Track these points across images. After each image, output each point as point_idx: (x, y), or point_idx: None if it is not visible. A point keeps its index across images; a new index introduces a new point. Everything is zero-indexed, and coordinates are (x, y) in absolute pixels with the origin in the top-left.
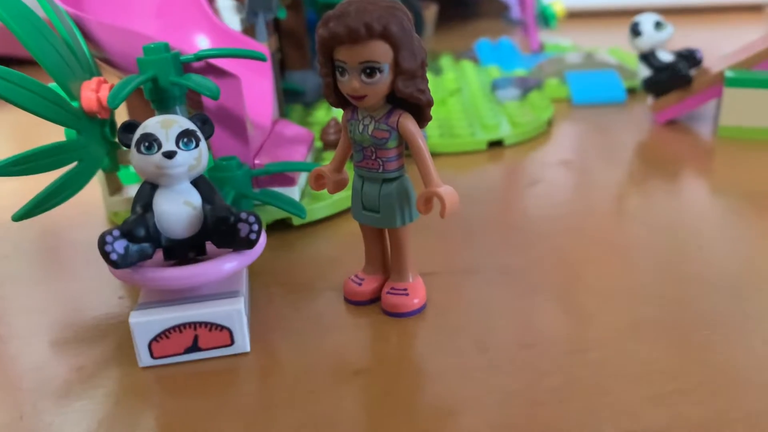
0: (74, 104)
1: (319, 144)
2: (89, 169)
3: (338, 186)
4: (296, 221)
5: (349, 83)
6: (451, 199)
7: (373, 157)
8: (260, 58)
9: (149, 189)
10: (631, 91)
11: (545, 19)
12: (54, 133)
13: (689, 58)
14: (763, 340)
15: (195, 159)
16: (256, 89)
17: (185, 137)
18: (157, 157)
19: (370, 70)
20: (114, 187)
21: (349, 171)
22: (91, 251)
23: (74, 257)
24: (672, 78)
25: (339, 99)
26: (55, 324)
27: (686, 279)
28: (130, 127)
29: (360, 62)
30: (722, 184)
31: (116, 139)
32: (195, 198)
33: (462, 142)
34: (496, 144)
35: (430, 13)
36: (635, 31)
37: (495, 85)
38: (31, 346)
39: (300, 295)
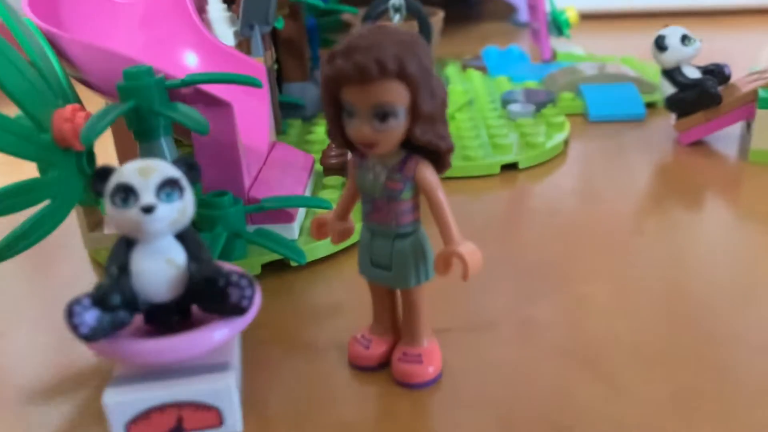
0: (45, 136)
1: (319, 167)
2: (65, 205)
3: (343, 236)
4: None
5: (359, 129)
6: (474, 260)
7: (385, 210)
8: (255, 84)
9: (125, 245)
10: (650, 106)
11: (558, 26)
12: (25, 165)
13: (717, 74)
14: None
15: (178, 212)
16: (250, 112)
17: (167, 187)
18: (134, 211)
19: (383, 114)
20: (93, 221)
21: (355, 217)
22: (64, 289)
23: (54, 301)
24: (700, 96)
25: (346, 142)
26: (22, 383)
27: (726, 339)
28: (103, 173)
29: (371, 105)
30: (757, 212)
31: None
32: (178, 255)
33: (474, 166)
34: (509, 166)
35: (437, 19)
36: (660, 46)
37: (506, 100)
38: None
39: (300, 354)
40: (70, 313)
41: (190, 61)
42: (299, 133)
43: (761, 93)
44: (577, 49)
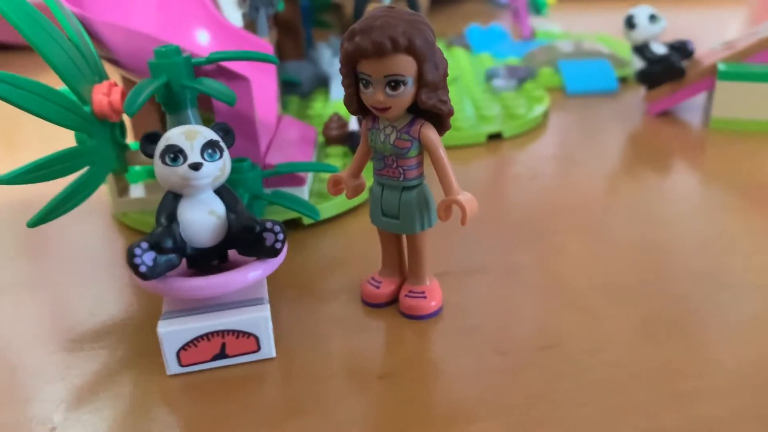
0: (86, 108)
1: (321, 139)
2: (101, 172)
3: (356, 191)
4: (307, 221)
5: (374, 95)
6: (472, 207)
7: (394, 166)
8: (273, 61)
9: (172, 199)
10: (623, 80)
11: (536, 7)
12: (41, 125)
13: (682, 49)
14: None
15: (219, 170)
16: (261, 88)
17: (209, 148)
18: (183, 168)
19: (395, 82)
20: (121, 188)
21: (366, 175)
22: (100, 253)
23: (84, 260)
24: (666, 70)
25: (360, 108)
26: (70, 330)
27: (688, 275)
28: (153, 137)
29: (385, 75)
30: (719, 174)
31: (126, 142)
32: (219, 207)
33: (463, 135)
34: (494, 136)
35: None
36: (630, 24)
37: (490, 75)
38: (49, 355)
39: (317, 297)
40: (132, 254)
41: (203, 40)
42: (298, 109)
43: (720, 66)
44: (554, 27)
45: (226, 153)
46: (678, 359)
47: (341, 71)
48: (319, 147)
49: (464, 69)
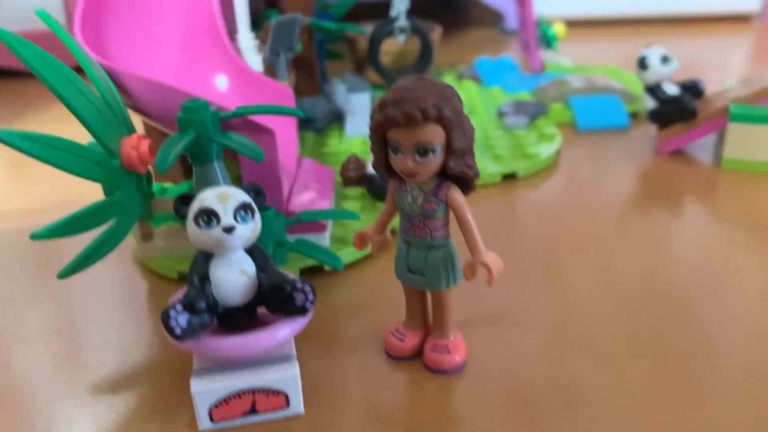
0: (115, 161)
1: (339, 178)
2: (128, 221)
3: (382, 247)
4: (328, 267)
5: (403, 162)
6: (497, 267)
7: (422, 226)
8: (298, 115)
9: (204, 259)
10: (633, 116)
11: (547, 40)
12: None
13: (693, 89)
14: None
15: (251, 231)
16: (282, 133)
17: (242, 210)
18: (217, 231)
19: (424, 150)
20: (146, 233)
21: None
22: (126, 297)
23: (111, 305)
24: (678, 111)
25: (388, 170)
26: (100, 378)
27: (707, 326)
28: (186, 199)
29: (414, 143)
30: (731, 214)
31: (152, 192)
32: (249, 266)
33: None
34: (508, 175)
35: (436, 36)
36: (642, 65)
37: (502, 112)
38: (79, 404)
39: (341, 348)
40: (167, 317)
41: (223, 85)
42: (314, 145)
43: (732, 108)
44: (564, 60)
45: (257, 215)
46: (702, 415)
47: (371, 137)
48: (337, 187)
49: (476, 104)
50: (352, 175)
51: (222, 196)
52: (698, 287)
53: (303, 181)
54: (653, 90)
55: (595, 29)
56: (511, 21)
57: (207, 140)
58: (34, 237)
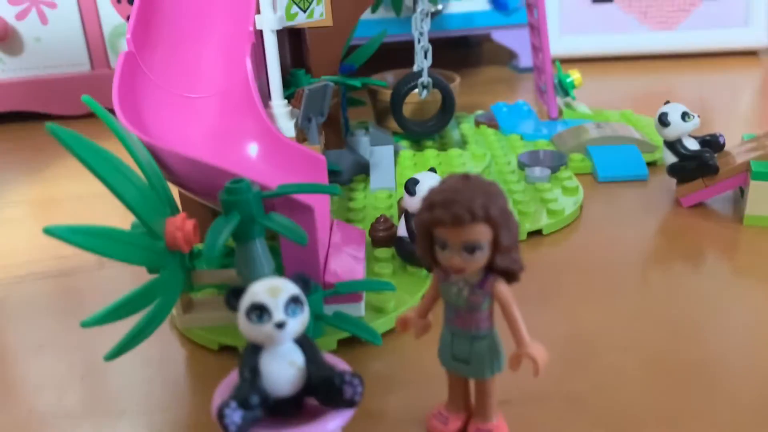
0: (160, 243)
1: (368, 238)
2: (172, 299)
3: (424, 331)
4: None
5: (450, 259)
6: (543, 359)
7: (467, 317)
8: (335, 193)
9: (254, 352)
10: (651, 164)
11: (564, 88)
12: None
13: (713, 144)
14: None
15: (301, 324)
16: (316, 201)
17: (292, 303)
18: (269, 327)
19: (472, 248)
20: (186, 304)
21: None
22: (168, 370)
23: (152, 379)
24: (699, 167)
25: (434, 263)
26: None
27: (742, 403)
28: (237, 292)
29: (462, 242)
30: (756, 273)
31: (193, 266)
32: (298, 357)
33: None
34: (534, 232)
35: (455, 86)
36: (663, 122)
37: (523, 163)
38: None
39: (384, 426)
40: (222, 415)
41: (256, 152)
42: (340, 200)
43: (754, 166)
44: (581, 106)
45: (306, 306)
46: None
47: (417, 233)
48: (367, 246)
49: (495, 153)
50: (381, 236)
51: (273, 291)
52: (729, 355)
53: (336, 247)
54: (673, 145)
55: (603, 66)
56: (524, 60)
57: (250, 221)
58: (85, 325)
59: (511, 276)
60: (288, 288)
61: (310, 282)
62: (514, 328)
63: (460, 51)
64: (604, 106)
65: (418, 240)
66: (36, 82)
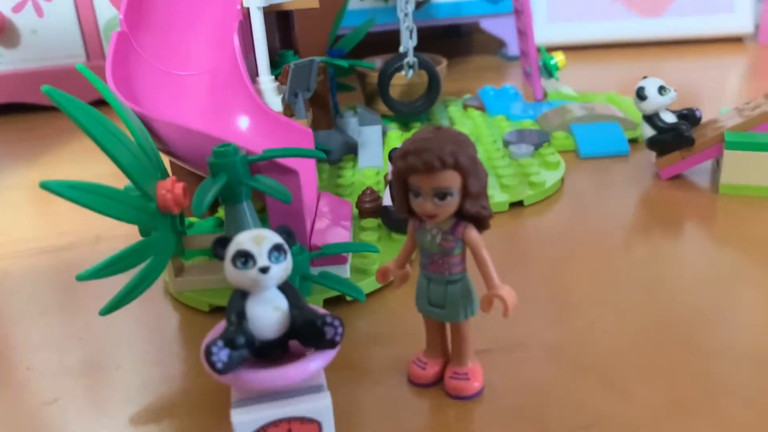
0: (151, 204)
1: (355, 210)
2: (164, 259)
3: (403, 280)
4: (350, 297)
5: (423, 205)
6: (512, 300)
7: (440, 262)
8: (320, 157)
9: (240, 297)
10: (632, 141)
11: (548, 70)
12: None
13: (690, 117)
14: None
15: (284, 270)
16: (303, 171)
17: (276, 251)
18: (253, 272)
19: (443, 194)
20: (178, 268)
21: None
22: (160, 331)
23: (145, 339)
24: (676, 139)
25: (409, 211)
26: (139, 411)
27: (714, 352)
28: (223, 242)
29: (433, 188)
30: (731, 238)
31: (184, 230)
32: (282, 302)
33: None
34: (515, 203)
35: (442, 68)
36: (640, 96)
37: (508, 141)
38: (109, 430)
39: (367, 377)
40: (209, 353)
41: (246, 126)
42: (329, 177)
43: (727, 136)
44: (566, 88)
45: (289, 255)
46: None
47: (393, 182)
48: (354, 218)
49: (481, 132)
50: (368, 207)
51: (257, 239)
52: (703, 311)
53: (323, 215)
54: (651, 119)
55: (591, 53)
56: (513, 48)
57: (237, 183)
58: (80, 278)
59: (481, 222)
60: (271, 237)
61: (293, 234)
62: (485, 272)
63: (451, 40)
64: (590, 90)
65: (394, 188)
66: (32, 73)
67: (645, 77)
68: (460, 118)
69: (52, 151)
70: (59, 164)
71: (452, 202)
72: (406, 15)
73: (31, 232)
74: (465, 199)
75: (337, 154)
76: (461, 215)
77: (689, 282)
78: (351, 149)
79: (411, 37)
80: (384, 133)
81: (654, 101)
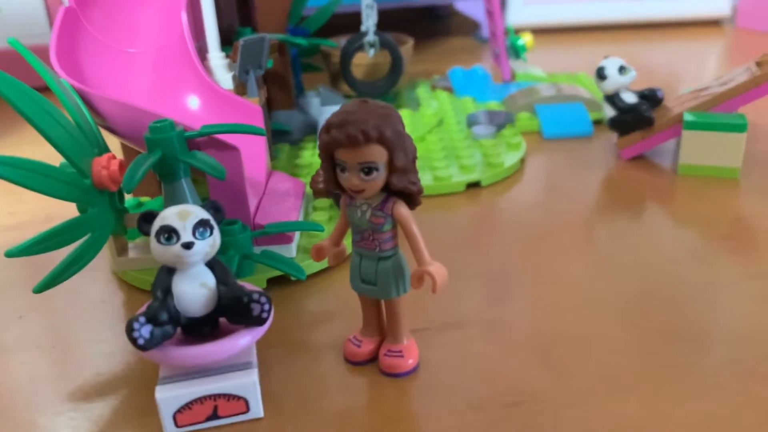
0: (87, 181)
1: (309, 190)
2: (102, 237)
3: (338, 258)
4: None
5: (349, 180)
6: (442, 277)
7: (371, 239)
8: (259, 133)
9: (167, 273)
10: (598, 123)
11: (515, 51)
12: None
13: (651, 98)
14: (724, 390)
15: (210, 246)
16: (251, 148)
17: (201, 227)
18: (176, 247)
19: (368, 169)
20: (120, 247)
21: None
22: (103, 310)
23: (88, 317)
24: (635, 119)
25: (338, 187)
26: (77, 388)
27: (654, 329)
28: (148, 217)
29: (359, 162)
30: (688, 219)
31: (124, 207)
32: (210, 279)
33: (443, 185)
34: (473, 183)
35: (407, 48)
36: (601, 75)
37: (470, 121)
38: (56, 413)
39: (304, 355)
40: (130, 329)
41: (194, 104)
42: (288, 157)
43: (686, 117)
44: (534, 69)
45: (216, 230)
46: (637, 415)
47: (320, 157)
48: (307, 199)
49: (447, 113)
50: (320, 187)
51: (182, 214)
52: (649, 289)
53: (272, 194)
54: (612, 99)
55: (567, 36)
56: (487, 30)
57: (173, 159)
58: (9, 254)
59: (410, 198)
60: (197, 212)
61: (221, 208)
62: (415, 248)
63: (428, 23)
64: (561, 72)
65: (322, 164)
66: None
67: (606, 57)
68: (427, 99)
69: (14, 133)
70: (19, 146)
71: (379, 177)
72: None
73: None
74: (392, 174)
75: (298, 134)
76: (390, 191)
77: (640, 261)
78: (312, 129)
79: (371, 16)
80: None
81: (614, 81)
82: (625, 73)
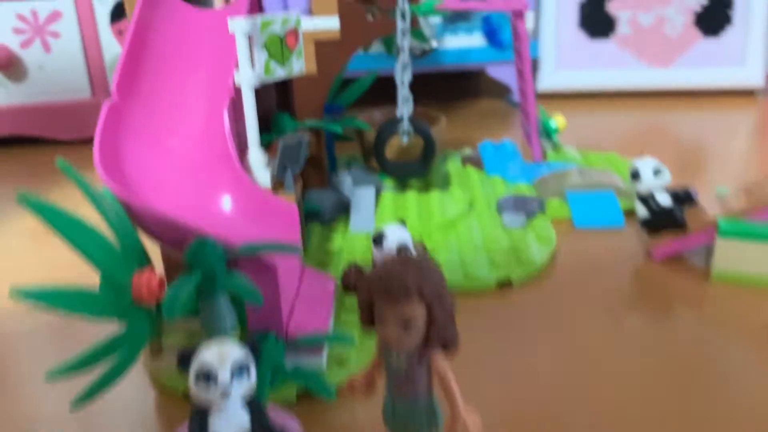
0: (126, 299)
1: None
2: (135, 349)
3: (369, 395)
4: None
5: (387, 333)
6: (476, 428)
7: (405, 384)
8: (295, 252)
9: (203, 416)
10: (629, 213)
11: (547, 133)
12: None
13: (684, 198)
14: None
15: (246, 389)
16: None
17: (239, 370)
18: (215, 394)
19: (407, 324)
20: (155, 349)
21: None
22: (133, 406)
23: (121, 419)
24: (668, 223)
25: (373, 328)
26: None
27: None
28: (187, 357)
29: (397, 317)
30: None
31: (161, 317)
32: (245, 420)
33: (474, 283)
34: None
35: (440, 128)
36: (635, 176)
37: (501, 208)
38: None
39: None
40: None
41: (229, 204)
42: (319, 241)
43: (720, 224)
44: (570, 150)
45: (253, 371)
46: None
47: (359, 307)
48: (337, 293)
49: (477, 196)
50: (351, 285)
51: (220, 356)
52: (693, 392)
53: (305, 299)
54: (645, 200)
55: (599, 102)
56: (517, 94)
57: (212, 280)
58: (49, 378)
59: (447, 347)
60: (235, 355)
61: (258, 347)
62: (451, 401)
63: (457, 82)
64: (594, 143)
65: (361, 314)
66: (38, 108)
67: (641, 156)
68: (457, 177)
69: (59, 188)
70: (64, 201)
71: (417, 332)
72: (402, 84)
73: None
74: (431, 328)
75: (330, 214)
76: (428, 341)
77: (678, 366)
78: (344, 208)
79: (406, 106)
80: (378, 193)
81: (648, 183)
82: (660, 176)
